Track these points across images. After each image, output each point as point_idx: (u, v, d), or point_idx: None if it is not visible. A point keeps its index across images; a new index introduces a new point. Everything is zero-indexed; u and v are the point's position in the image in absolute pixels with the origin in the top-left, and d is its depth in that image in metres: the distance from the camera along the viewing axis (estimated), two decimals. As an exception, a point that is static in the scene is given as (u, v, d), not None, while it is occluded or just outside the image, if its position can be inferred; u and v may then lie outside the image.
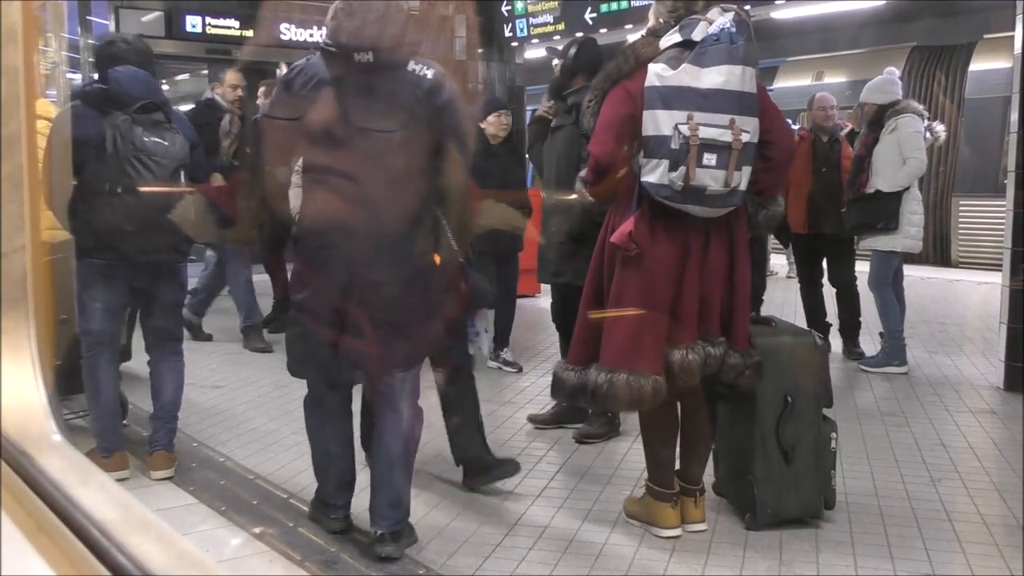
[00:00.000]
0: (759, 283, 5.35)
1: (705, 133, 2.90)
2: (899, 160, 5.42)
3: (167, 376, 3.93)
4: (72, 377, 3.94)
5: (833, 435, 3.34)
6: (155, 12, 11.08)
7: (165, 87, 19.16)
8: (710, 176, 2.92)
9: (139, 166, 3.62)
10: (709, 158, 2.91)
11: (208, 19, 11.39)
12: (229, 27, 11.52)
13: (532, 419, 4.58)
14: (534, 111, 5.16)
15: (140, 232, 3.63)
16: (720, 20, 2.97)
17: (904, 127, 5.44)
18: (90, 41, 11.36)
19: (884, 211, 5.45)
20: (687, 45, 2.99)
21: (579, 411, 4.31)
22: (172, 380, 3.94)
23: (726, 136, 2.92)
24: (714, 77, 2.92)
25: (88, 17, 11.24)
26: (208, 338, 6.59)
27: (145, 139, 3.65)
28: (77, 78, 11.11)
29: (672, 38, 3.03)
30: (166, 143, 3.70)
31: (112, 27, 10.93)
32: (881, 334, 5.79)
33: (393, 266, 2.91)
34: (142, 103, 3.69)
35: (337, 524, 3.21)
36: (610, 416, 4.28)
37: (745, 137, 2.94)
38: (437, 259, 2.99)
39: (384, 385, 3.05)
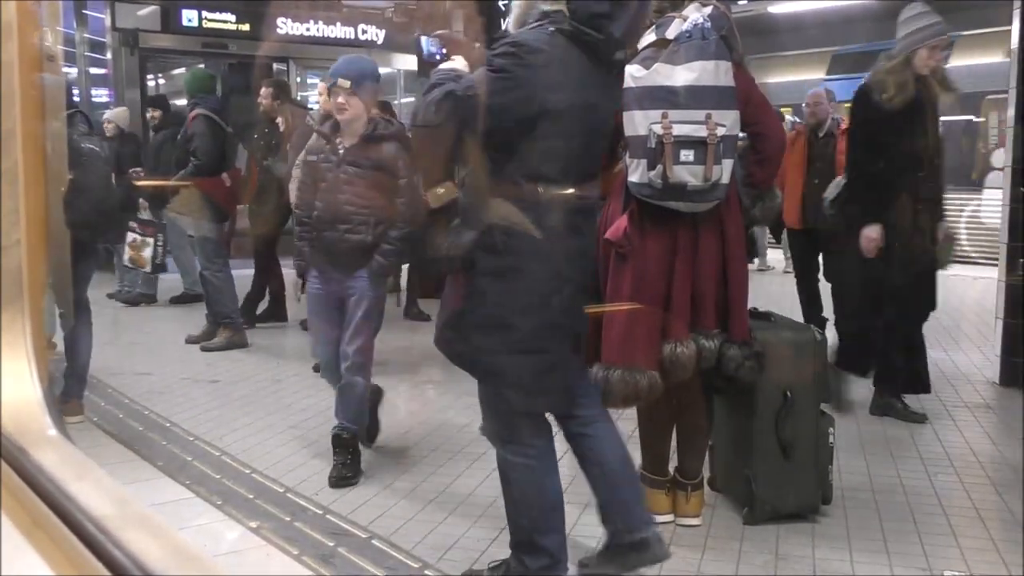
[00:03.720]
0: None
1: (679, 130, 2.91)
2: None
3: (83, 340, 4.52)
4: None
5: (831, 430, 3.35)
6: (151, 6, 11.04)
7: (162, 81, 19.12)
8: (688, 172, 2.93)
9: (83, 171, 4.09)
10: (686, 154, 2.92)
11: (204, 13, 11.36)
12: (225, 21, 11.49)
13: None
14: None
15: (94, 225, 4.15)
16: (693, 16, 2.98)
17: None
18: (86, 35, 11.34)
19: None
20: (663, 44, 3.00)
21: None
22: (86, 343, 4.55)
23: (701, 131, 2.92)
24: (686, 74, 2.93)
25: (84, 11, 11.21)
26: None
27: (83, 146, 4.18)
28: (73, 72, 11.09)
29: (648, 38, 3.04)
30: (97, 149, 4.34)
31: (108, 21, 10.90)
32: (878, 329, 5.78)
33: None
34: (69, 112, 4.25)
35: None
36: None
37: (721, 131, 2.94)
38: None
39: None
